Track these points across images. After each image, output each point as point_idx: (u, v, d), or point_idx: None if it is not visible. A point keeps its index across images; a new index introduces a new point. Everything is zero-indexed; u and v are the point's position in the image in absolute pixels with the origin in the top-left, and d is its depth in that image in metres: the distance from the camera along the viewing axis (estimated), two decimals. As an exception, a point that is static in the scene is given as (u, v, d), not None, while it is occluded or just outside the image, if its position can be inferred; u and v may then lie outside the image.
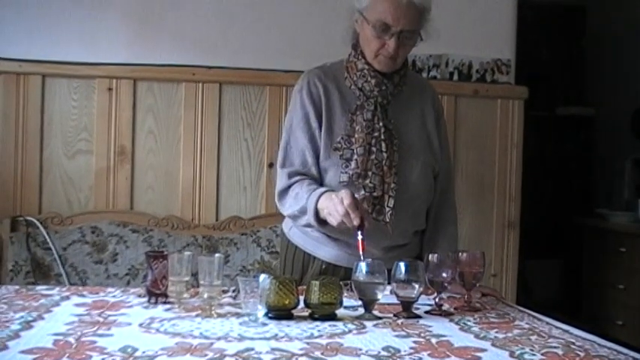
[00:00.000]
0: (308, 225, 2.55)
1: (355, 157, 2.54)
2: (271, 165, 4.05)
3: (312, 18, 4.11)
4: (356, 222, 2.31)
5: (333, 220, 2.37)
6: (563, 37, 6.56)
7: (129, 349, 1.67)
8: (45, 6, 3.99)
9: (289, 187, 2.60)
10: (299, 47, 4.07)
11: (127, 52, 4.04)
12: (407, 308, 2.14)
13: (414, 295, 2.14)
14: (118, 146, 4.02)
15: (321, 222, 2.48)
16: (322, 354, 1.67)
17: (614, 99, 6.24)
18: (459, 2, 4.21)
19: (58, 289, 2.51)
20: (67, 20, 4.00)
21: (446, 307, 2.25)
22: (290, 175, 2.61)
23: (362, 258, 2.24)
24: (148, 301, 2.25)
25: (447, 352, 1.72)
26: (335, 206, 2.33)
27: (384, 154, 2.55)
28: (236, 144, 4.10)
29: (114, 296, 2.38)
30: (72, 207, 3.99)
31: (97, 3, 4.02)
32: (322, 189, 2.49)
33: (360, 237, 2.32)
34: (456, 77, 4.25)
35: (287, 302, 2.02)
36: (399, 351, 1.72)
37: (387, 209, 2.54)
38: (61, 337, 1.78)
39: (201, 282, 2.12)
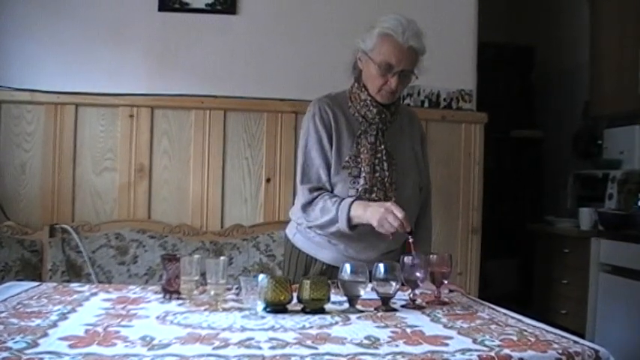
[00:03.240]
0: (335, 232, 2.54)
1: (363, 174, 2.55)
2: (269, 180, 4.05)
3: (302, 56, 4.12)
4: (408, 229, 2.34)
5: (385, 230, 2.38)
6: (516, 72, 6.57)
7: (147, 338, 1.66)
8: (78, 47, 4.02)
9: (312, 201, 2.58)
10: (292, 80, 4.08)
11: (146, 85, 4.05)
12: (385, 303, 2.14)
13: (391, 292, 2.14)
14: (137, 164, 4.01)
15: (352, 228, 2.48)
16: (313, 342, 1.66)
17: (558, 123, 6.26)
18: (430, 41, 4.17)
19: (88, 286, 2.51)
20: (97, 58, 4.02)
21: (419, 301, 2.24)
22: (311, 191, 2.59)
23: (414, 257, 2.23)
24: (164, 297, 2.25)
25: (420, 340, 1.71)
26: (387, 218, 2.34)
27: (386, 173, 2.57)
28: (238, 162, 4.09)
29: (134, 293, 2.38)
30: (99, 216, 3.99)
31: (121, 44, 4.03)
32: (349, 200, 2.48)
33: (411, 239, 2.34)
34: (426, 105, 4.25)
35: (282, 298, 2.02)
36: (378, 339, 1.71)
37: None
38: (91, 327, 1.78)
39: (209, 281, 2.12)
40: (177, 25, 4.09)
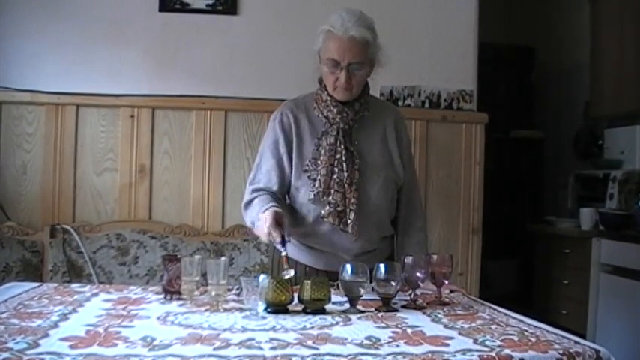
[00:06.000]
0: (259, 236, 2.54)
1: (319, 177, 2.52)
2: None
3: (303, 55, 4.06)
4: (277, 239, 2.32)
5: (263, 238, 2.39)
6: (516, 72, 6.59)
7: (148, 339, 1.66)
8: (79, 48, 4.02)
9: (251, 201, 2.59)
10: (292, 80, 4.05)
11: (147, 85, 4.05)
12: (386, 303, 2.13)
13: (392, 292, 2.14)
14: (138, 165, 4.02)
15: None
16: (314, 343, 1.66)
17: (559, 124, 6.27)
18: (431, 42, 4.23)
19: (89, 286, 2.51)
20: (98, 59, 4.03)
21: (419, 301, 2.23)
22: (253, 192, 2.60)
23: (285, 271, 2.24)
24: (165, 297, 2.25)
25: (421, 340, 1.71)
26: (261, 226, 2.35)
27: (345, 174, 2.52)
28: (239, 162, 4.09)
29: (135, 293, 2.38)
30: (100, 217, 3.99)
31: (122, 44, 4.04)
32: (269, 205, 2.45)
33: (283, 252, 2.33)
34: (427, 105, 4.25)
35: (283, 298, 2.01)
36: (379, 340, 1.71)
37: (350, 221, 2.51)
38: (92, 328, 1.78)
39: (210, 281, 2.12)
40: (178, 26, 4.09)
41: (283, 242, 2.33)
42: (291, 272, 2.24)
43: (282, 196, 2.61)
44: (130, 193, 4.02)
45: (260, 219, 2.39)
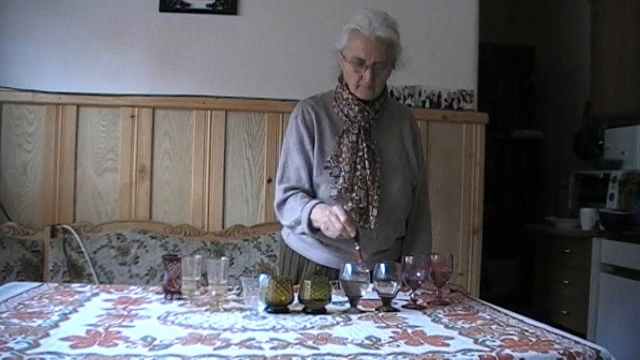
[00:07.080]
0: (303, 233, 2.54)
1: (342, 174, 2.53)
2: (270, 180, 4.04)
3: (304, 55, 4.11)
4: (353, 234, 2.33)
5: (332, 234, 2.37)
6: (517, 73, 6.59)
7: (148, 339, 1.66)
8: (80, 47, 4.01)
9: (285, 200, 2.59)
10: (293, 80, 4.08)
11: (148, 85, 4.04)
12: (387, 303, 2.14)
13: (392, 292, 2.14)
14: (139, 165, 4.01)
15: (314, 230, 2.47)
16: (314, 343, 1.66)
17: (559, 124, 6.27)
18: (431, 43, 4.23)
19: (89, 286, 2.51)
20: (98, 59, 4.02)
21: (420, 301, 2.24)
22: (286, 190, 2.60)
23: (361, 265, 2.23)
24: (165, 297, 2.25)
25: (421, 340, 1.71)
26: (332, 222, 2.33)
27: (368, 171, 2.55)
28: (239, 162, 4.09)
29: (136, 293, 2.38)
30: (100, 217, 3.98)
31: (123, 44, 4.03)
32: (313, 202, 2.48)
33: (357, 247, 2.33)
34: (427, 105, 4.25)
35: (283, 298, 2.02)
36: (379, 340, 1.71)
37: (372, 218, 2.53)
38: (92, 327, 1.78)
39: (210, 281, 2.12)
40: (179, 26, 4.09)
41: (357, 236, 2.34)
42: (354, 263, 2.23)
43: (312, 193, 2.62)
44: (131, 193, 4.02)
45: (327, 215, 2.36)
